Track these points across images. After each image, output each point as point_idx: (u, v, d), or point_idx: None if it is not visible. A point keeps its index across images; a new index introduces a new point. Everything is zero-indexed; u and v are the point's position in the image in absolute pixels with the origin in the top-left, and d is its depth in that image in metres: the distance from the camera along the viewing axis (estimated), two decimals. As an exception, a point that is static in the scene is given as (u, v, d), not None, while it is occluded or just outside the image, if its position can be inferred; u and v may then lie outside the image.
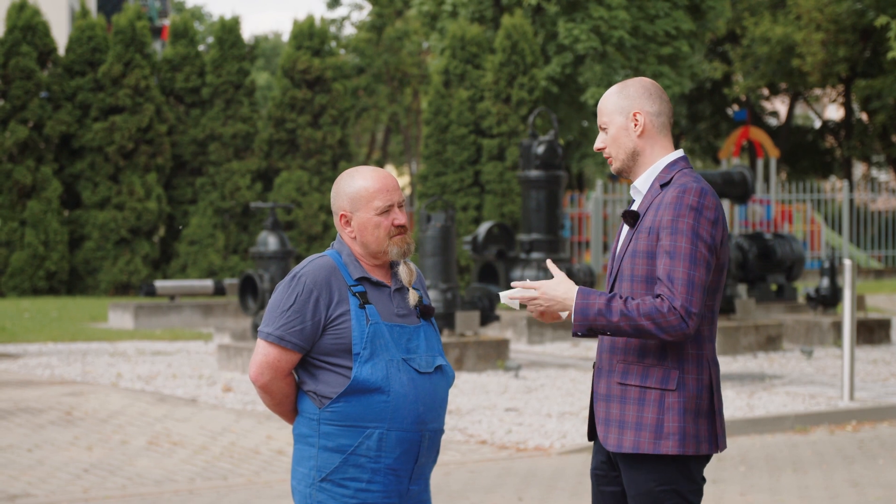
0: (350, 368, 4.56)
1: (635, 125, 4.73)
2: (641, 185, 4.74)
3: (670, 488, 4.61)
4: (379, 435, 4.56)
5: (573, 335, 4.69)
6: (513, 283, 4.76)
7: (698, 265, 4.56)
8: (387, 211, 4.65)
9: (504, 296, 4.78)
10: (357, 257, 4.69)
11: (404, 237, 4.68)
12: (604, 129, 4.78)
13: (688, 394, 4.61)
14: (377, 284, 4.68)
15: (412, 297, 4.72)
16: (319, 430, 4.59)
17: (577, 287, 4.65)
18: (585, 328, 4.59)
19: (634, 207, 4.76)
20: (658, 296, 4.55)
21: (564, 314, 4.70)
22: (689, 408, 4.60)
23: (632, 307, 4.54)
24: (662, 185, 4.68)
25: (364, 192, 4.65)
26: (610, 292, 4.71)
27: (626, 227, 4.79)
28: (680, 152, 4.80)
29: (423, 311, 4.74)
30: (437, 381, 4.69)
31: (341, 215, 4.69)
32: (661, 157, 4.76)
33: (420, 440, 4.62)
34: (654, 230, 4.61)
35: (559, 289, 4.67)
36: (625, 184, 34.68)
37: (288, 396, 4.69)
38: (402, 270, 4.72)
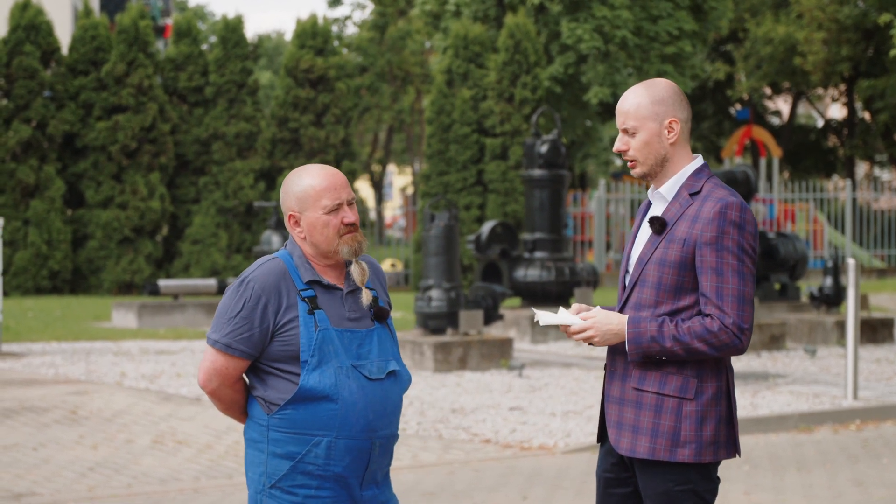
0: (299, 375, 4.49)
1: (670, 132, 4.69)
2: (667, 191, 4.71)
3: (689, 488, 4.63)
4: (327, 443, 4.48)
5: (630, 361, 4.67)
6: (561, 310, 4.73)
7: (746, 280, 4.59)
8: (335, 209, 4.55)
9: (542, 319, 4.73)
10: (308, 258, 4.60)
11: (355, 235, 4.58)
12: (630, 133, 4.69)
13: (706, 402, 4.62)
14: (329, 287, 4.58)
15: (365, 297, 4.62)
16: (269, 436, 4.53)
17: (626, 317, 4.64)
18: (640, 355, 4.60)
19: (658, 213, 4.73)
20: (707, 315, 4.58)
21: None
22: (707, 416, 4.62)
23: (683, 331, 4.56)
24: (692, 194, 4.67)
25: (311, 190, 4.55)
26: (625, 297, 4.73)
27: (643, 231, 4.76)
28: (701, 159, 4.78)
29: (378, 313, 4.64)
30: (389, 387, 4.60)
31: (290, 215, 4.60)
32: (686, 163, 4.74)
33: (370, 448, 4.55)
34: (689, 242, 4.60)
35: (612, 321, 4.65)
36: (628, 183, 34.69)
37: (237, 402, 4.64)
38: (354, 270, 4.62)
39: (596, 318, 4.66)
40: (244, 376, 4.62)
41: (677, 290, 4.61)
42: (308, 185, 4.56)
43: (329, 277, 4.60)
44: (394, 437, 4.64)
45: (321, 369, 4.47)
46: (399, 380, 4.65)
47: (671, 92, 4.70)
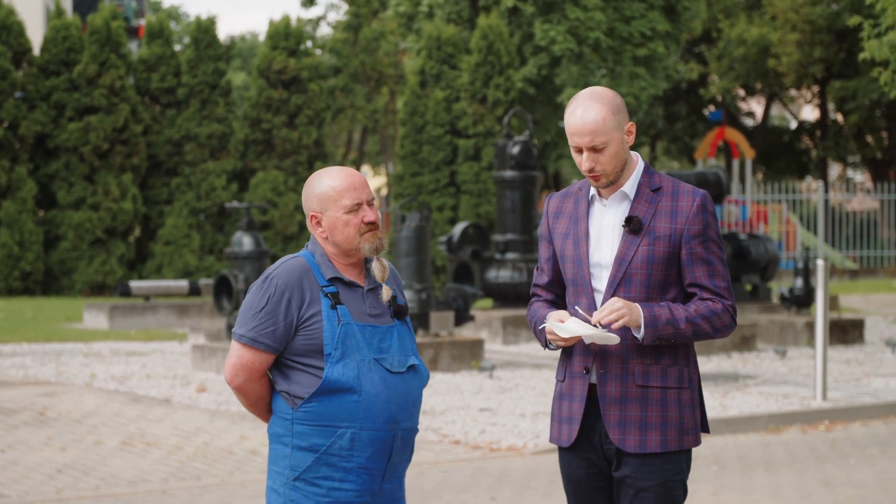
0: (322, 369, 4.59)
1: (629, 135, 4.78)
2: (629, 189, 4.78)
3: (680, 478, 4.79)
4: (351, 434, 4.58)
5: (641, 342, 4.71)
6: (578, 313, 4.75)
7: (727, 267, 4.80)
8: (355, 209, 4.67)
9: (567, 332, 4.68)
10: (330, 257, 4.71)
11: (375, 233, 4.70)
12: (599, 150, 4.71)
13: (694, 388, 4.82)
14: (350, 284, 4.70)
15: (385, 293, 4.74)
16: (293, 429, 4.62)
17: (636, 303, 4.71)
18: (654, 338, 4.69)
19: (622, 212, 4.78)
20: (706, 299, 4.75)
21: (615, 341, 4.67)
22: (696, 401, 4.82)
23: (692, 312, 4.72)
24: (654, 190, 4.77)
25: (332, 191, 4.67)
26: (609, 298, 4.74)
27: (607, 231, 4.79)
28: (638, 154, 4.90)
29: (397, 310, 4.76)
30: (410, 380, 4.72)
31: (312, 216, 4.72)
32: (635, 161, 4.84)
33: (393, 439, 4.65)
34: (675, 237, 4.73)
35: (629, 304, 4.68)
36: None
37: (262, 398, 4.73)
38: (375, 267, 4.75)
39: (614, 301, 4.66)
40: (268, 373, 4.72)
41: (664, 285, 4.74)
42: (329, 185, 4.68)
43: (349, 275, 4.73)
44: (415, 430, 4.76)
45: (344, 362, 4.59)
46: (419, 374, 4.78)
47: (619, 99, 4.79)
